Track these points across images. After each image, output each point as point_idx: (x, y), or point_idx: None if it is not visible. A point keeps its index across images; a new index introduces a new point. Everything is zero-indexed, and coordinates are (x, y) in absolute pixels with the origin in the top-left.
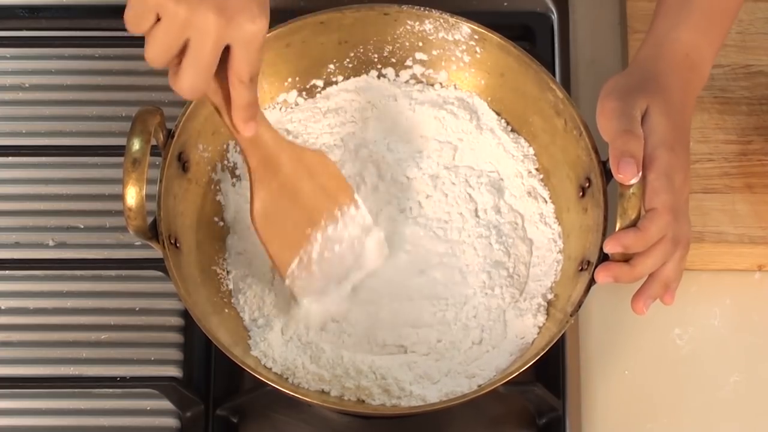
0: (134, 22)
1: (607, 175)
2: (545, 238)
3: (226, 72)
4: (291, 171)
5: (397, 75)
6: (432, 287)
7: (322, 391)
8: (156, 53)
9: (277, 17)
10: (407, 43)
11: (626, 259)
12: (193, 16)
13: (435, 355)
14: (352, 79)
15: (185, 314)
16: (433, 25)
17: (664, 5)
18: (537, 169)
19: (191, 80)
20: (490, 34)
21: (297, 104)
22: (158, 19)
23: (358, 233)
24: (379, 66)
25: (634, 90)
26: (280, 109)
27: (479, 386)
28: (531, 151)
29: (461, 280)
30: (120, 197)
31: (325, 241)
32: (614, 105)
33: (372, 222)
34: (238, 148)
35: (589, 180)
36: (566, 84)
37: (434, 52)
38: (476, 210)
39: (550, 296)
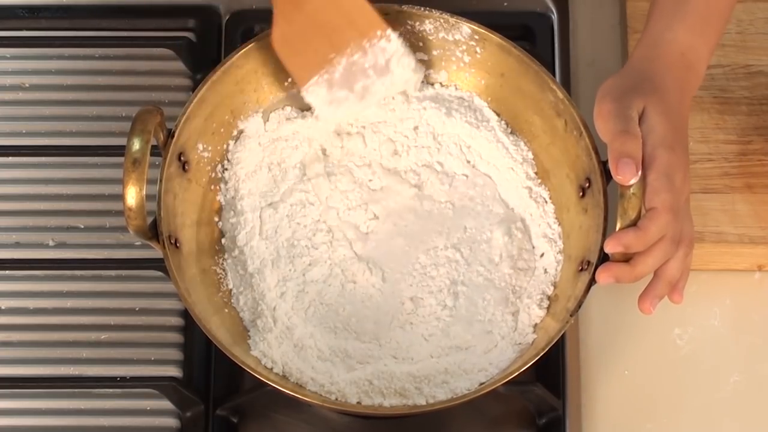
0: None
1: (607, 175)
2: (545, 238)
3: None
4: (316, 4)
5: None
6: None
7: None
8: (653, 267)
9: None
10: (407, 43)
11: (627, 259)
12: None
13: (435, 355)
14: None
15: (185, 314)
16: (433, 25)
17: (659, 6)
18: (536, 170)
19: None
20: (490, 34)
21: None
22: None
23: (385, 60)
24: None
25: (630, 91)
26: (283, 107)
27: (479, 386)
28: (530, 151)
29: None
30: (120, 197)
31: (349, 64)
32: (611, 106)
33: (410, 58)
34: None
35: (589, 180)
36: (566, 84)
37: (434, 52)
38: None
39: (550, 296)
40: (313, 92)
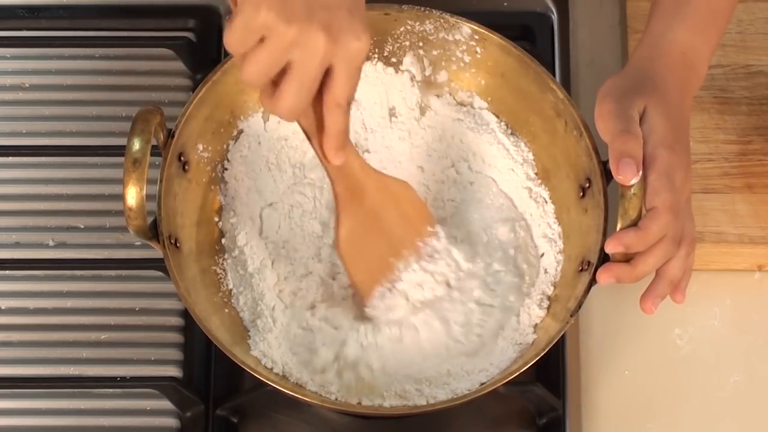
0: (238, 43)
1: (607, 175)
2: (545, 238)
3: (320, 96)
4: (376, 199)
5: (397, 75)
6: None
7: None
8: (257, 73)
9: None
10: (407, 43)
11: (627, 259)
12: (301, 36)
13: (435, 355)
14: None
15: (185, 314)
16: (433, 25)
17: (660, 6)
18: (536, 171)
19: (293, 100)
20: (490, 34)
21: None
22: (262, 39)
23: (439, 267)
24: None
25: (631, 91)
26: None
27: (480, 386)
28: (530, 152)
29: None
30: (120, 197)
31: (409, 273)
32: (611, 106)
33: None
34: (327, 178)
35: (589, 180)
36: (566, 84)
37: (434, 52)
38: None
39: (550, 296)
40: (375, 310)
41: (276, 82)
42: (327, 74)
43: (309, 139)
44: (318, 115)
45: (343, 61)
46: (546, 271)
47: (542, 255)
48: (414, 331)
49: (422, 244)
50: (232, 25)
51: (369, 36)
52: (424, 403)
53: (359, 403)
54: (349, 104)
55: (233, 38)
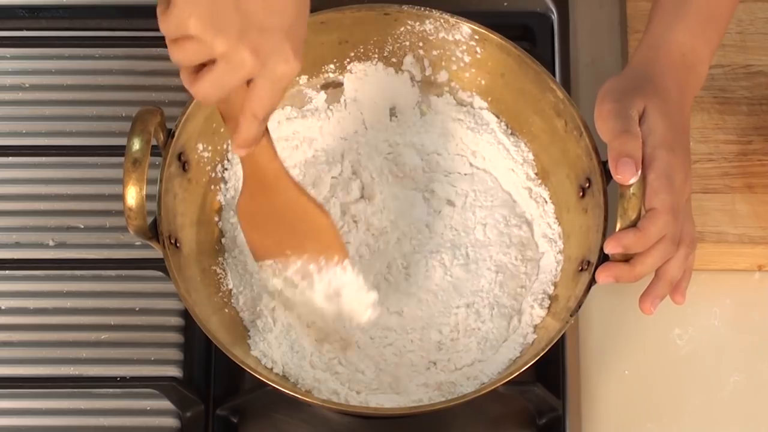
0: (169, 32)
1: (607, 175)
2: (545, 238)
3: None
4: (282, 202)
5: (397, 75)
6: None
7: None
8: (181, 61)
9: None
10: (407, 43)
11: (626, 259)
12: (229, 52)
13: (435, 355)
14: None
15: (185, 314)
16: (433, 25)
17: (660, 7)
18: (536, 171)
19: (206, 92)
20: (490, 34)
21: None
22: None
23: (336, 287)
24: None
25: (631, 91)
26: (283, 107)
27: (479, 386)
28: (530, 152)
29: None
30: (120, 197)
31: (302, 270)
32: (611, 106)
33: (366, 292)
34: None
35: (589, 180)
36: (566, 84)
37: (434, 52)
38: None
39: (550, 296)
40: (267, 269)
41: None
42: (250, 83)
43: (223, 120)
44: (237, 106)
45: (267, 80)
46: (546, 271)
47: (542, 255)
48: (413, 332)
49: (323, 262)
50: (167, 17)
51: (300, 60)
52: (425, 403)
53: (359, 403)
54: (265, 118)
55: (164, 27)
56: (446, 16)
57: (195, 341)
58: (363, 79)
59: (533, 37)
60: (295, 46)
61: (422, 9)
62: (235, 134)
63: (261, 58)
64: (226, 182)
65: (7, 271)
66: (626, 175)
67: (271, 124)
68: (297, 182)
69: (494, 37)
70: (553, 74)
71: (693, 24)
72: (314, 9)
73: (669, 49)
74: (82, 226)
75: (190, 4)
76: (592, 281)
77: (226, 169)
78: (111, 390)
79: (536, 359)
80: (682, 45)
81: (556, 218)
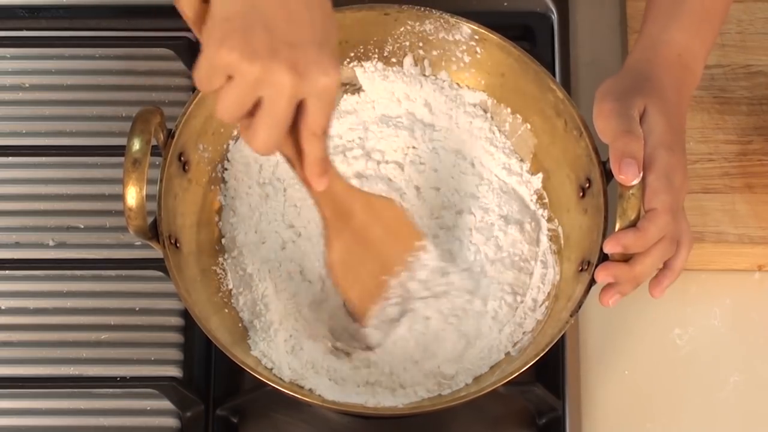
0: (205, 81)
1: (607, 175)
2: (545, 238)
3: (297, 125)
4: (363, 219)
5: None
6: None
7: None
8: (228, 110)
9: None
10: (407, 43)
11: (626, 259)
12: (266, 74)
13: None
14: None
15: (185, 314)
16: (433, 25)
17: (654, 8)
18: (536, 171)
19: (265, 136)
20: (490, 34)
21: None
22: (230, 77)
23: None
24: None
25: (630, 91)
26: None
27: (479, 386)
28: (531, 152)
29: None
30: (120, 197)
31: (400, 288)
32: (612, 106)
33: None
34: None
35: (589, 180)
36: (566, 84)
37: (434, 53)
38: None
39: (550, 296)
40: (373, 327)
41: (253, 113)
42: (301, 106)
43: (292, 166)
44: (297, 143)
45: (314, 96)
46: (546, 271)
47: (542, 255)
48: (413, 334)
49: (412, 259)
50: (198, 65)
51: (338, 69)
52: (425, 403)
53: (359, 403)
54: (325, 133)
55: (199, 77)
56: (446, 16)
57: (195, 341)
58: (363, 78)
59: (533, 37)
60: (331, 55)
61: (422, 9)
62: (306, 169)
63: (300, 72)
64: (226, 182)
65: (7, 271)
66: (629, 176)
67: None
68: (356, 187)
69: (494, 37)
70: (553, 74)
71: (688, 24)
72: None
73: (665, 50)
74: (82, 226)
75: (219, 38)
76: (592, 281)
77: (226, 169)
78: (111, 390)
79: (536, 359)
80: (678, 45)
81: (556, 218)
